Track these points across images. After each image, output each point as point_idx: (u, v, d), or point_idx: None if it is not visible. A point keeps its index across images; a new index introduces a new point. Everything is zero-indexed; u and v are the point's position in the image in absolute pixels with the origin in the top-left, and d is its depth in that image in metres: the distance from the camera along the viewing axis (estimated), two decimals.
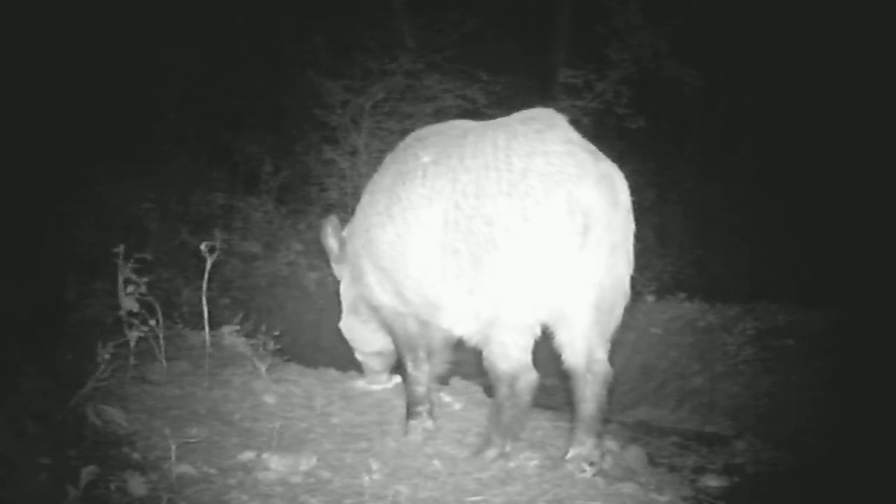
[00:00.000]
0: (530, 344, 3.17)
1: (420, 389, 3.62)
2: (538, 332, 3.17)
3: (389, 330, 3.72)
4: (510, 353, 3.14)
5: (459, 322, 3.29)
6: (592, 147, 3.20)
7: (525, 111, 3.34)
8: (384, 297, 3.59)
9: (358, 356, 4.17)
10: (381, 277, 3.53)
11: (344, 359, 4.21)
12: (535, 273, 3.02)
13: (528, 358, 3.18)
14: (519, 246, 3.00)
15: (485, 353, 3.21)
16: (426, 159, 3.32)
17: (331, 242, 3.94)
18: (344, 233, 3.96)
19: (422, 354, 3.64)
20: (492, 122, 3.40)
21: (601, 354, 3.19)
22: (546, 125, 3.19)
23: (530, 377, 3.19)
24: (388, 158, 3.70)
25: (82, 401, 3.21)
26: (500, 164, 3.08)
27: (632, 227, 3.17)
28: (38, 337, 4.26)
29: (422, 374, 3.63)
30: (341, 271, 4.00)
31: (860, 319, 5.54)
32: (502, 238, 3.01)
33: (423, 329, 3.60)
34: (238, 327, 4.73)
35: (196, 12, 9.46)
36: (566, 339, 3.20)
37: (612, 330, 3.22)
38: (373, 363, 4.13)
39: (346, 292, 4.02)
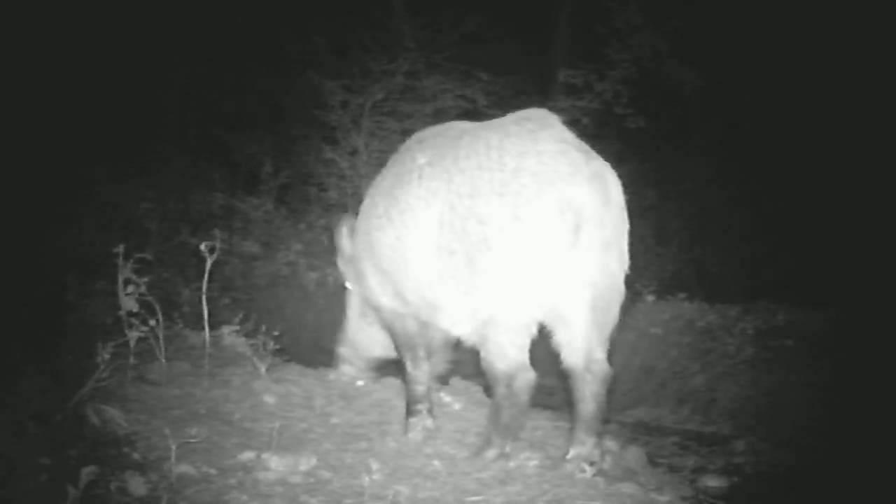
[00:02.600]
0: (527, 343, 3.18)
1: (419, 388, 3.63)
2: (534, 331, 3.18)
3: (389, 330, 3.74)
4: (507, 353, 3.14)
5: (458, 322, 3.29)
6: (585, 146, 3.21)
7: (519, 112, 3.35)
8: (384, 298, 3.61)
9: (343, 351, 4.15)
10: (382, 279, 3.54)
11: None
12: (529, 272, 3.03)
13: (526, 357, 3.19)
14: (511, 245, 3.01)
15: (482, 353, 3.22)
16: (422, 161, 3.34)
17: (345, 243, 3.93)
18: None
19: (421, 354, 3.65)
20: (487, 122, 3.41)
21: (600, 354, 3.19)
22: (539, 125, 3.20)
23: (528, 376, 3.19)
24: (389, 161, 3.73)
25: (82, 401, 3.21)
26: (492, 164, 3.09)
27: (625, 225, 3.17)
28: (38, 337, 4.25)
29: (421, 373, 3.64)
30: (351, 272, 3.98)
31: (860, 319, 5.54)
32: (495, 237, 3.02)
33: (422, 329, 3.60)
34: (238, 327, 4.73)
35: (196, 12, 9.47)
36: (565, 338, 3.20)
37: (609, 329, 3.22)
38: (357, 363, 4.15)
39: (354, 294, 4.03)
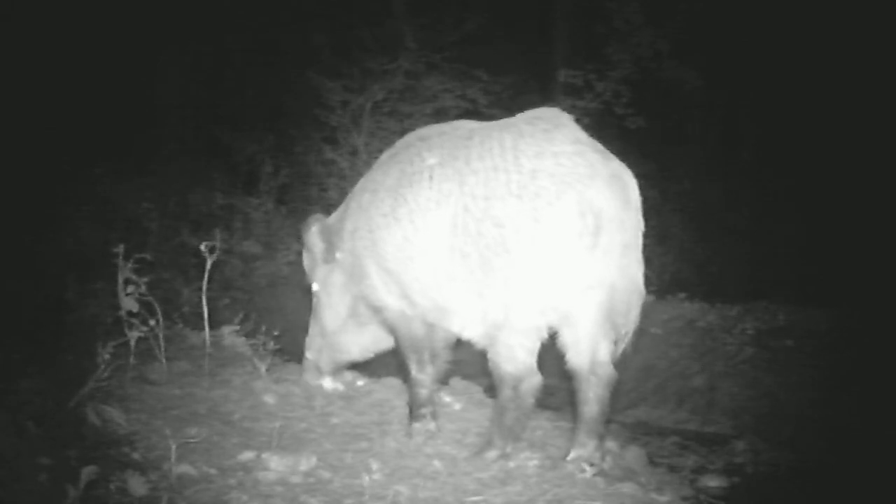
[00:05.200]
0: (537, 346, 3.17)
1: (424, 392, 3.59)
2: (545, 334, 3.16)
3: (393, 332, 3.66)
4: (516, 356, 3.13)
5: (468, 325, 3.27)
6: (601, 146, 3.19)
7: (530, 111, 3.31)
8: (389, 298, 3.53)
9: (312, 353, 3.97)
10: (387, 279, 3.47)
11: None
12: (546, 275, 3.01)
13: (534, 360, 3.18)
14: (530, 248, 2.99)
15: (490, 355, 3.20)
16: (432, 161, 3.28)
17: (318, 243, 3.80)
18: (332, 222, 3.84)
19: (426, 357, 3.59)
20: (497, 122, 3.37)
21: (605, 356, 3.19)
22: (553, 125, 3.17)
23: (534, 380, 3.18)
24: (385, 156, 3.65)
25: (82, 401, 3.21)
26: (508, 166, 3.06)
27: (642, 226, 3.17)
28: (38, 337, 4.25)
29: (426, 376, 3.59)
30: (327, 274, 3.83)
31: (860, 319, 5.54)
32: (513, 240, 3.00)
33: (428, 331, 3.55)
34: (238, 327, 4.73)
35: (196, 12, 9.46)
36: (570, 339, 3.19)
37: (630, 330, 3.22)
38: (326, 367, 3.99)
39: (337, 294, 3.84)
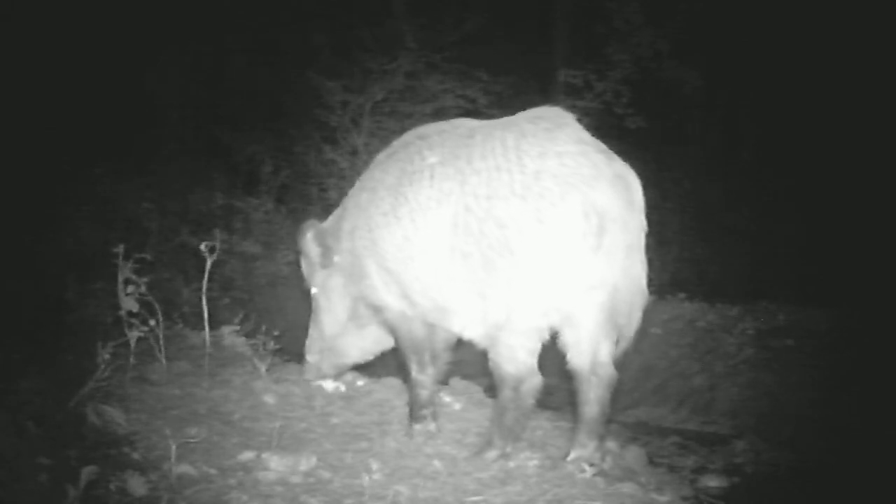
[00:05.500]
0: (538, 347, 3.16)
1: (424, 393, 3.58)
2: (547, 335, 3.16)
3: (394, 333, 3.65)
4: (517, 356, 3.13)
5: (469, 325, 3.26)
6: (604, 146, 3.17)
7: (532, 110, 3.29)
8: (389, 298, 3.51)
9: (313, 357, 3.94)
10: (387, 278, 3.46)
11: None
12: (550, 276, 3.00)
13: (535, 361, 3.18)
14: (534, 249, 2.98)
15: (491, 355, 3.19)
16: (433, 160, 3.27)
17: (314, 249, 3.78)
18: (328, 226, 3.83)
19: (427, 358, 3.58)
20: (498, 121, 3.35)
21: (606, 357, 3.18)
22: (555, 124, 3.16)
23: (535, 381, 3.18)
24: (383, 156, 3.63)
25: (82, 401, 3.22)
26: (511, 166, 3.05)
27: (645, 227, 3.16)
28: (38, 337, 4.26)
29: (426, 377, 3.58)
30: (326, 278, 3.80)
31: (861, 319, 5.54)
32: (516, 241, 2.99)
33: (429, 332, 3.54)
34: (238, 327, 4.73)
35: (196, 12, 9.47)
36: (572, 339, 3.19)
37: (631, 331, 3.22)
38: (328, 370, 3.96)
39: (336, 297, 3.81)
